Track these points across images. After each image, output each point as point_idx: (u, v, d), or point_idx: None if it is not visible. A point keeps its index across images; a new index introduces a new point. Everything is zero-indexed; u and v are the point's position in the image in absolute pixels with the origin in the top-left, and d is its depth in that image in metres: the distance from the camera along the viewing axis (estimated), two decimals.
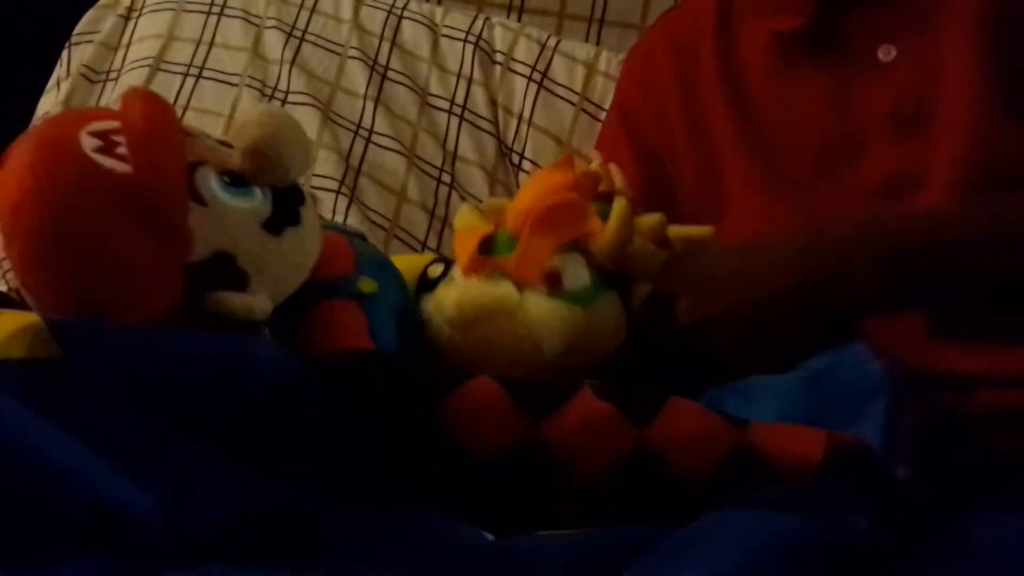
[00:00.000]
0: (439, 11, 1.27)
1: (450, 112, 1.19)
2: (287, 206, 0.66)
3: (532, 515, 0.59)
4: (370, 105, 1.18)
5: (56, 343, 0.54)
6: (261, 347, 0.59)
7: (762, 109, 0.93)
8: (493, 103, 1.19)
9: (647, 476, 0.59)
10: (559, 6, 1.26)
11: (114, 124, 0.59)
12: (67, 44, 1.29)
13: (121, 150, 0.58)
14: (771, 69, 0.94)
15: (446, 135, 1.18)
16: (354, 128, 1.16)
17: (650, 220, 0.77)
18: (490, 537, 0.57)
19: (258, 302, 0.62)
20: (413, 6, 1.27)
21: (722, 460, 0.58)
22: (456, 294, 0.74)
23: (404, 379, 0.59)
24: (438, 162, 1.17)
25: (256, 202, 0.64)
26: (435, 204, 1.15)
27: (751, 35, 0.97)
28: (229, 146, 0.66)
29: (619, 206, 0.74)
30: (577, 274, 0.74)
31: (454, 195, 1.16)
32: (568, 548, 0.56)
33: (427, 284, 0.80)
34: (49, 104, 1.25)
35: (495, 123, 1.19)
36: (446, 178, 1.16)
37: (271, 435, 0.56)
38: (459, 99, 1.19)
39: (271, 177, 0.65)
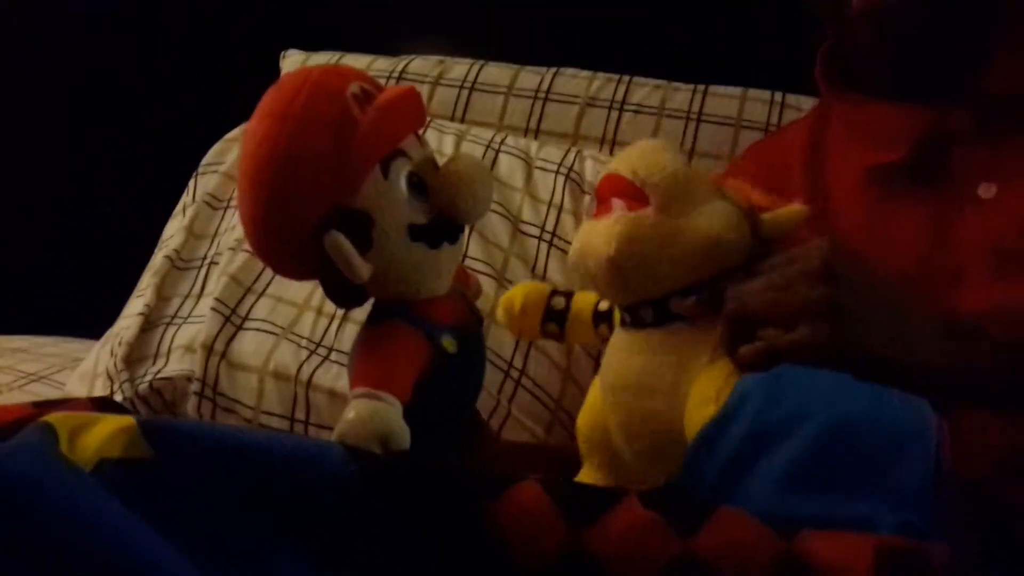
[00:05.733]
0: (534, 145, 1.33)
1: (540, 238, 1.22)
2: (437, 232, 0.74)
3: None
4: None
5: (148, 443, 0.56)
6: (332, 448, 0.60)
7: (853, 241, 0.92)
8: None
9: None
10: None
11: (377, 89, 0.73)
12: (194, 174, 1.38)
13: (367, 107, 0.71)
14: (864, 201, 0.94)
15: (536, 259, 1.21)
16: None
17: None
18: None
19: (362, 264, 0.70)
20: (511, 141, 1.32)
21: (769, 571, 0.57)
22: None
23: (450, 482, 0.59)
24: None
25: (419, 207, 0.73)
26: None
27: (843, 167, 0.97)
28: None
29: (800, 208, 0.78)
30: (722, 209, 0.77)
31: None
32: None
33: (552, 315, 0.91)
34: (174, 229, 1.33)
35: None
36: None
37: (340, 534, 0.57)
38: (549, 226, 1.23)
39: (451, 210, 0.74)
